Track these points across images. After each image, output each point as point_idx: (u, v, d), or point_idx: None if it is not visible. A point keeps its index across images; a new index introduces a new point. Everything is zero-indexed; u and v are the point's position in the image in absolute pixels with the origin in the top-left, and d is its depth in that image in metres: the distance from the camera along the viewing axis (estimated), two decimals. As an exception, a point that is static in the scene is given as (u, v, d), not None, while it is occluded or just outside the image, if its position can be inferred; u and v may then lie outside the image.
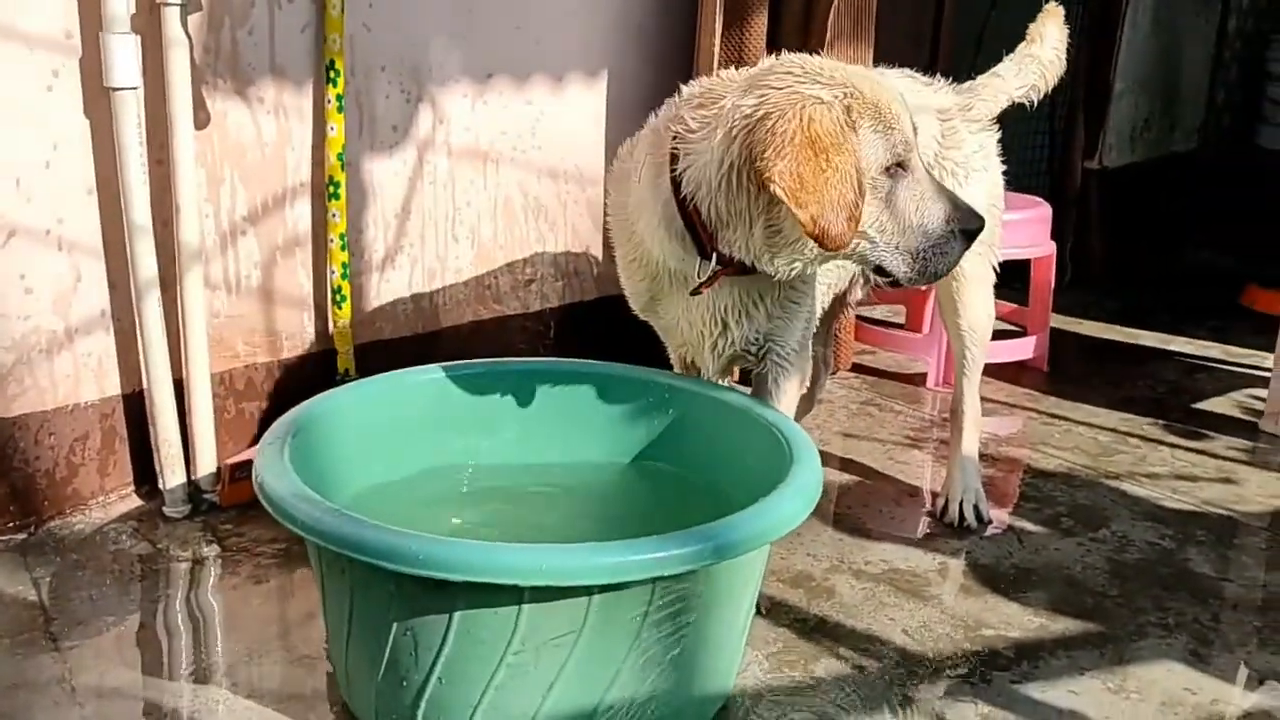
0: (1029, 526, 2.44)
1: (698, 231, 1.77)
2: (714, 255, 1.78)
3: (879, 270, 1.77)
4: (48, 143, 2.10)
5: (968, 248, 1.76)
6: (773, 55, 1.82)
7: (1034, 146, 4.45)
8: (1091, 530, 2.43)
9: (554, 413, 2.09)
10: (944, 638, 1.99)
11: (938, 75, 2.40)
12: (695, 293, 1.86)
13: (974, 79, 2.41)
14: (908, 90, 2.27)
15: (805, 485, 1.62)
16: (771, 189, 1.62)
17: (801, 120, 1.62)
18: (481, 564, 1.39)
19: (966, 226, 1.75)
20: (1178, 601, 2.15)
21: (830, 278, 2.13)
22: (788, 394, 2.01)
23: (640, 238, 1.89)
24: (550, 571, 1.38)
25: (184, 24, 2.14)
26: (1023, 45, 2.44)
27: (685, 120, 1.77)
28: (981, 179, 2.29)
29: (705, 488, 1.93)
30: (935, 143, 2.24)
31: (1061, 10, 2.49)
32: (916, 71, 2.38)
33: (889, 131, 1.69)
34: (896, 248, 1.74)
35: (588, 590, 1.42)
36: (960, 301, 2.37)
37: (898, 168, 1.71)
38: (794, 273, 1.79)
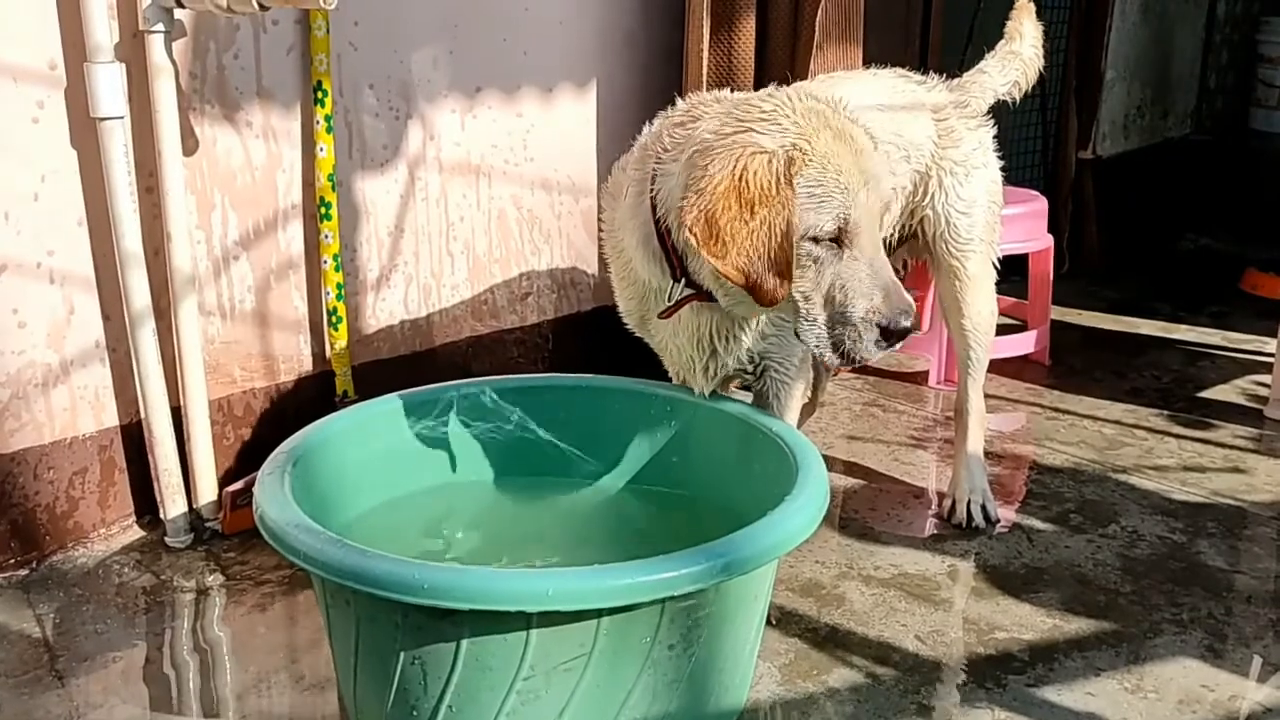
0: (1038, 524, 2.42)
1: (670, 254, 1.75)
2: (683, 280, 1.76)
3: (795, 334, 1.71)
4: (35, 175, 2.09)
5: (889, 347, 1.65)
6: (783, 85, 1.81)
7: (1027, 138, 4.44)
8: (1101, 526, 2.41)
9: (555, 429, 2.07)
10: (957, 642, 1.97)
11: (928, 72, 2.39)
12: (662, 316, 1.85)
13: (962, 75, 2.42)
14: (902, 91, 2.26)
15: (813, 497, 1.60)
16: (684, 234, 1.60)
17: (735, 169, 1.57)
18: (488, 591, 1.37)
19: (889, 325, 1.62)
20: (1191, 596, 2.13)
21: None
22: (789, 409, 1.99)
23: (628, 255, 1.88)
24: (558, 596, 1.37)
25: (169, 50, 2.12)
26: (1003, 43, 2.47)
27: (663, 139, 1.75)
28: (981, 176, 2.29)
29: (711, 501, 1.92)
30: (931, 144, 2.23)
31: (1033, 5, 2.50)
32: (908, 70, 2.38)
33: (828, 199, 1.60)
34: (815, 321, 1.66)
35: (597, 613, 1.41)
36: (963, 301, 2.35)
37: (833, 242, 1.63)
38: (741, 314, 1.76)
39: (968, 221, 2.28)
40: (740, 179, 1.56)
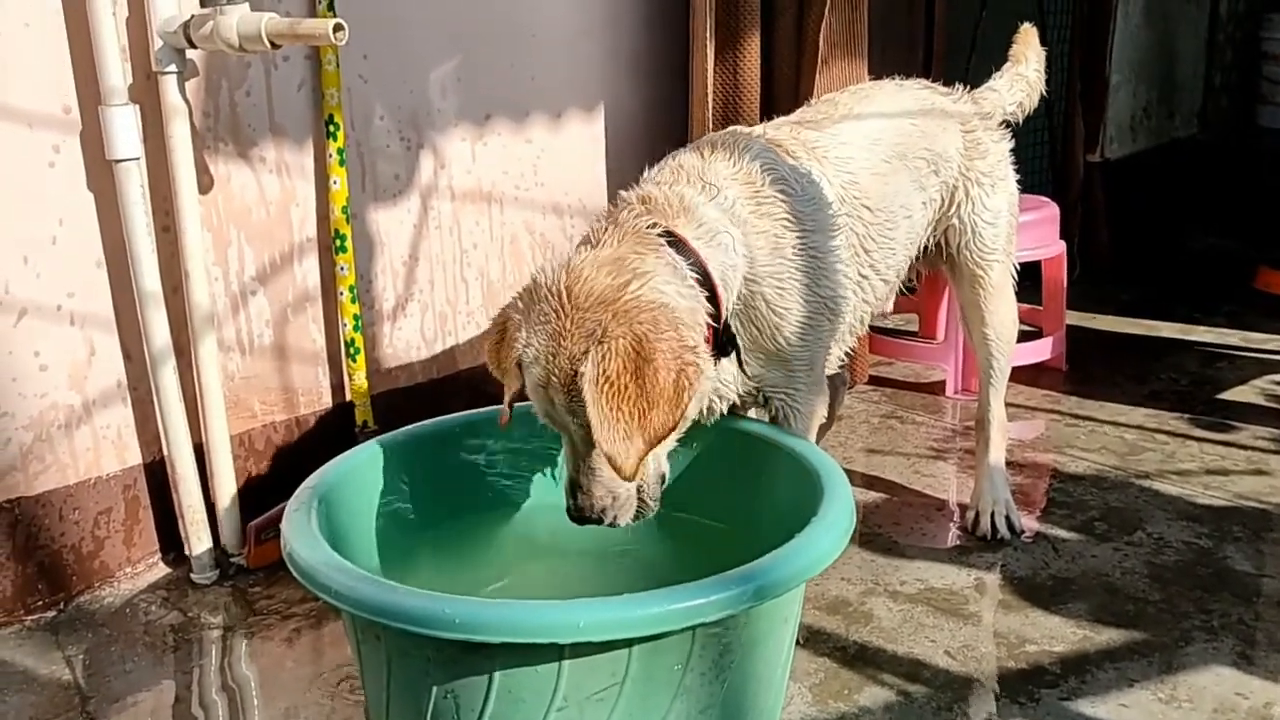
0: (1062, 534, 2.41)
1: None
2: None
3: None
4: (53, 219, 2.10)
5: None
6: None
7: (1034, 144, 4.43)
8: (1127, 534, 2.40)
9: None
10: (987, 657, 1.97)
11: (936, 80, 2.41)
12: None
13: (968, 84, 2.43)
14: (929, 101, 2.26)
15: (839, 517, 1.59)
16: None
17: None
18: (520, 624, 1.37)
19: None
20: (1220, 603, 2.12)
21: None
22: (806, 432, 1.99)
23: None
24: (590, 628, 1.36)
25: (182, 90, 2.13)
26: (1010, 65, 2.50)
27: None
28: (1004, 187, 2.33)
29: (736, 522, 1.91)
30: (959, 155, 2.24)
31: (1035, 30, 2.52)
32: (909, 78, 2.40)
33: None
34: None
35: (628, 643, 1.40)
36: (987, 310, 2.36)
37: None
38: None
39: (993, 231, 2.29)
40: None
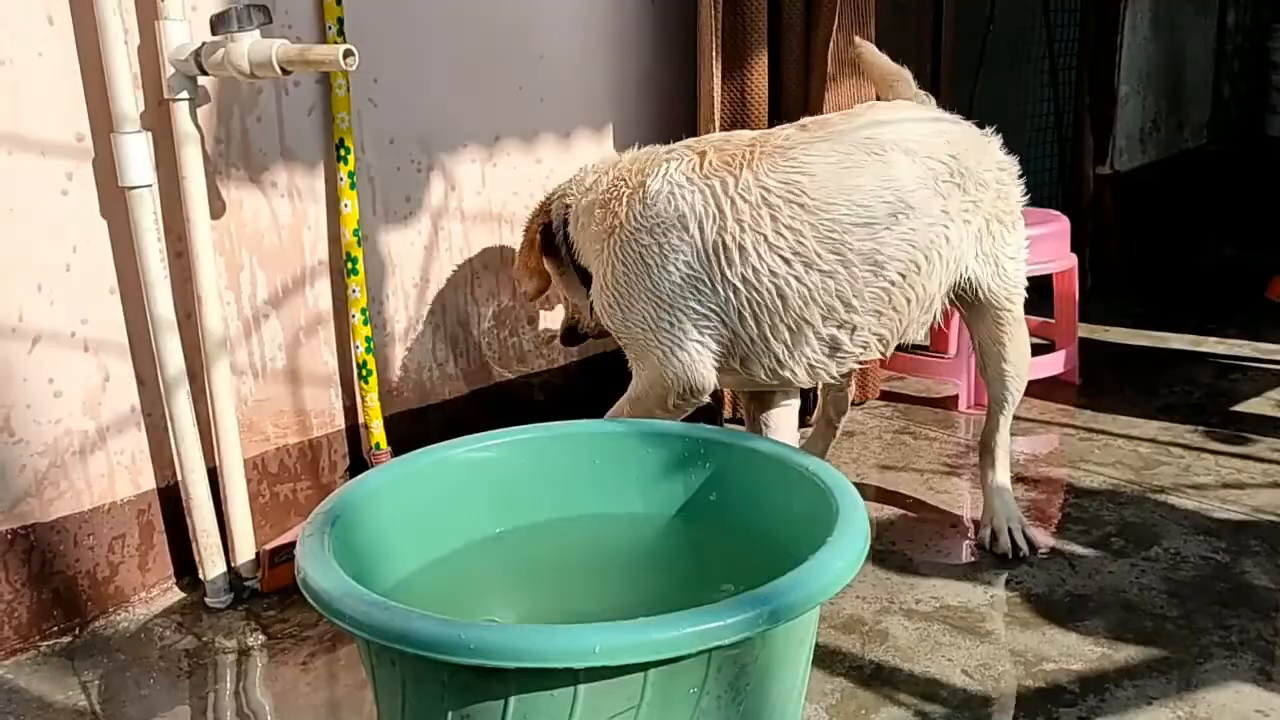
0: (1079, 549, 2.40)
1: None
2: None
3: None
4: (66, 246, 2.11)
5: None
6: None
7: (1044, 156, 4.43)
8: (1143, 549, 2.38)
9: (589, 476, 2.06)
10: (1005, 676, 1.95)
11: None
12: None
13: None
14: (973, 146, 2.25)
15: (855, 537, 1.59)
16: None
17: None
18: (534, 649, 1.36)
19: None
20: (1239, 618, 2.10)
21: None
22: (625, 413, 2.11)
23: None
24: (604, 651, 1.35)
25: (194, 117, 2.15)
26: None
27: None
28: (1021, 225, 2.31)
29: (751, 543, 1.91)
30: (994, 202, 2.24)
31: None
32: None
33: None
34: None
35: (644, 666, 1.40)
36: (1010, 338, 2.36)
37: None
38: None
39: (1015, 266, 2.30)
40: None
